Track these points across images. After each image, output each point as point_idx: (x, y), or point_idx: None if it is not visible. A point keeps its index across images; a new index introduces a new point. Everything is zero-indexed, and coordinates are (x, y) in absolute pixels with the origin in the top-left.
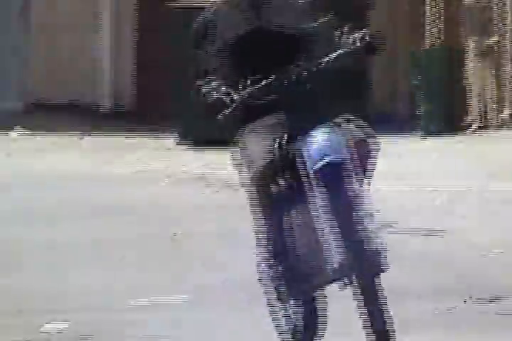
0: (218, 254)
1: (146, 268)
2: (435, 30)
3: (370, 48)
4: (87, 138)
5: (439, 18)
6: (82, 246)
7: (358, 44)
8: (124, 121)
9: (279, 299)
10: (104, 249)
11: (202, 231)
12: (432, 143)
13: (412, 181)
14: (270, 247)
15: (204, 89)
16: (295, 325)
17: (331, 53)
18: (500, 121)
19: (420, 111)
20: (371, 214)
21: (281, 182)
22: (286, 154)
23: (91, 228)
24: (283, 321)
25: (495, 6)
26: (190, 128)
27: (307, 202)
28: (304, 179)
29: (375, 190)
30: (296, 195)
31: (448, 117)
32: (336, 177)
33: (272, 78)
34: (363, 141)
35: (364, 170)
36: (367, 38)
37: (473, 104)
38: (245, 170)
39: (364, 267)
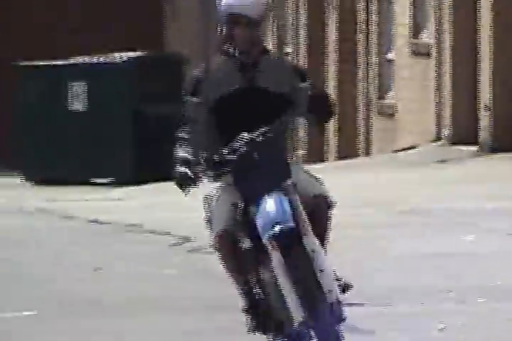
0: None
1: None
2: None
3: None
4: None
5: None
6: None
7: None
8: None
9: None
10: None
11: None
12: None
13: None
14: (243, 298)
15: (175, 153)
16: None
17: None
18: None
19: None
20: (324, 270)
21: (245, 241)
22: (246, 218)
23: None
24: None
25: None
26: (32, 169)
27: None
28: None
29: None
30: (260, 253)
31: None
32: (288, 243)
33: (241, 139)
34: (316, 197)
35: (317, 227)
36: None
37: None
38: (212, 227)
39: (325, 319)
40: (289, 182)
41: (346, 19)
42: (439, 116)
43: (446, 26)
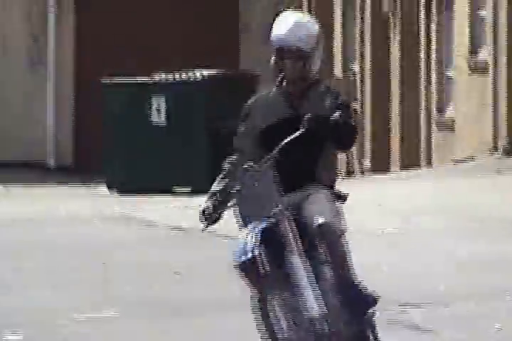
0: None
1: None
2: None
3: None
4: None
5: None
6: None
7: None
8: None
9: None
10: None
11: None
12: None
13: None
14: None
15: (213, 184)
16: None
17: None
18: (361, 168)
19: None
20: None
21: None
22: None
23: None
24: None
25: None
26: (117, 178)
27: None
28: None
29: None
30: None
31: None
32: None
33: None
34: (321, 226)
35: (331, 256)
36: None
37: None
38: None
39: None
40: (279, 208)
41: (409, 39)
42: (495, 129)
43: (503, 43)
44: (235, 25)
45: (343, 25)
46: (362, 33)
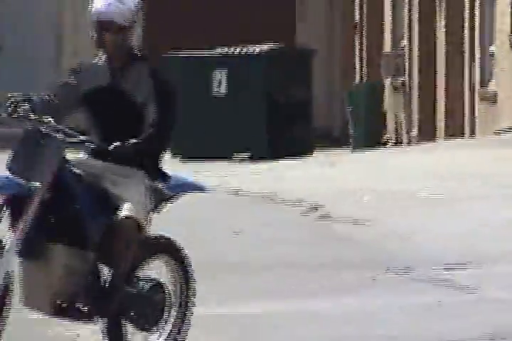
0: None
1: None
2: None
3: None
4: None
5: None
6: None
7: None
8: None
9: None
10: None
11: None
12: (359, 155)
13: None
14: None
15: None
16: None
17: None
18: (409, 138)
19: (351, 131)
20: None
21: None
22: None
23: None
24: None
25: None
26: (182, 146)
27: None
28: None
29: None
30: None
31: (371, 135)
32: None
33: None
34: (127, 218)
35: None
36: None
37: (390, 125)
38: None
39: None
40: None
41: (454, 17)
42: None
43: None
44: (291, 2)
45: (393, 4)
46: (410, 10)
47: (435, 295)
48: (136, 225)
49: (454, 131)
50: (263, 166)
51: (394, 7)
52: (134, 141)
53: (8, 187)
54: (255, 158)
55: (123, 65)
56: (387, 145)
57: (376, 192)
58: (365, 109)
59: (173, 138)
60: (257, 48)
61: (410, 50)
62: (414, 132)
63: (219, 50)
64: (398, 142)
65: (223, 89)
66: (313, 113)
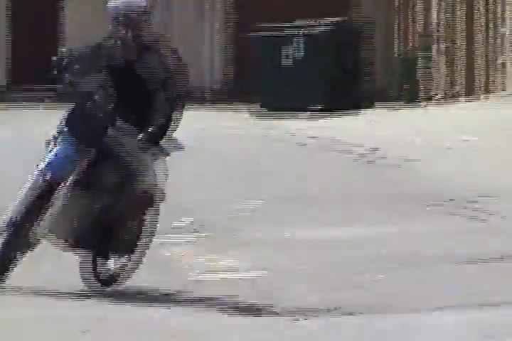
0: None
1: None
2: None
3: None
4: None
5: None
6: None
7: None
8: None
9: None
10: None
11: None
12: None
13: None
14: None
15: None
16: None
17: None
18: (454, 93)
19: (403, 88)
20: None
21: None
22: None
23: None
24: None
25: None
26: (267, 100)
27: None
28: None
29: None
30: None
31: (420, 91)
32: None
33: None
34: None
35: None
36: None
37: (437, 81)
38: None
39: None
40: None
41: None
42: None
43: None
44: None
45: None
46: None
47: (450, 222)
48: (150, 199)
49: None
50: (332, 117)
51: None
52: (153, 130)
53: (59, 168)
54: (325, 109)
55: (137, 56)
56: (435, 100)
57: (424, 138)
58: (416, 69)
59: (262, 94)
60: (328, 20)
61: (454, 17)
62: (458, 88)
63: (296, 23)
64: (444, 97)
65: (301, 54)
66: (375, 73)
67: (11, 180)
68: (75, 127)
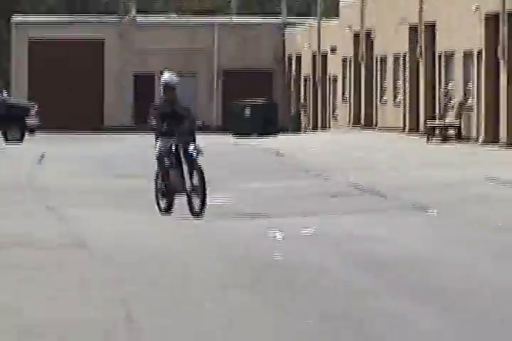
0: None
1: None
2: None
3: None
4: None
5: None
6: None
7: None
8: None
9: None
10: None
11: None
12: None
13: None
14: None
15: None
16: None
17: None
18: (313, 127)
19: (293, 125)
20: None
21: (169, 157)
22: (174, 150)
23: None
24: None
25: None
26: (236, 130)
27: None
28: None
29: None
30: (175, 163)
31: (300, 126)
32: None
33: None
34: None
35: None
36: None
37: (306, 122)
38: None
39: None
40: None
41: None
42: None
43: None
44: None
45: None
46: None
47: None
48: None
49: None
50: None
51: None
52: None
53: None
54: (260, 134)
55: (174, 103)
56: (306, 130)
57: (299, 146)
58: (298, 117)
59: (233, 128)
60: (261, 99)
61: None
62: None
63: (248, 100)
64: (312, 129)
65: (249, 112)
66: (282, 119)
67: (139, 158)
68: (166, 132)
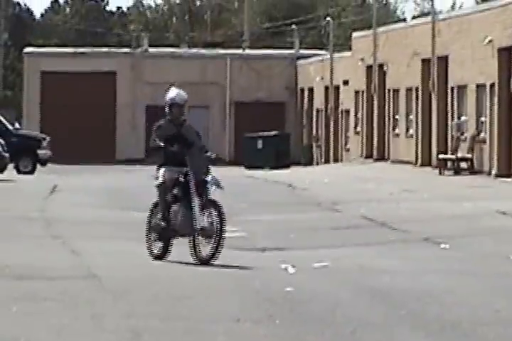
0: None
1: None
2: None
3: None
4: None
5: None
6: None
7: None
8: None
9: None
10: None
11: None
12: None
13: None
14: (162, 214)
15: (153, 142)
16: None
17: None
18: (325, 160)
19: (304, 158)
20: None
21: (175, 189)
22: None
23: None
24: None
25: None
26: (250, 163)
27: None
28: (188, 188)
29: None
30: (181, 196)
31: (312, 159)
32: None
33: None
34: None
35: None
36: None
37: (317, 156)
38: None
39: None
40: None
41: None
42: None
43: None
44: None
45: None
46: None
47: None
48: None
49: None
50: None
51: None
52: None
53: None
54: (272, 168)
55: (182, 124)
56: (318, 163)
57: (312, 178)
58: (310, 151)
59: (247, 161)
60: (273, 132)
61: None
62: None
63: (260, 133)
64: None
65: (261, 145)
66: (292, 153)
67: (142, 188)
68: (169, 161)
